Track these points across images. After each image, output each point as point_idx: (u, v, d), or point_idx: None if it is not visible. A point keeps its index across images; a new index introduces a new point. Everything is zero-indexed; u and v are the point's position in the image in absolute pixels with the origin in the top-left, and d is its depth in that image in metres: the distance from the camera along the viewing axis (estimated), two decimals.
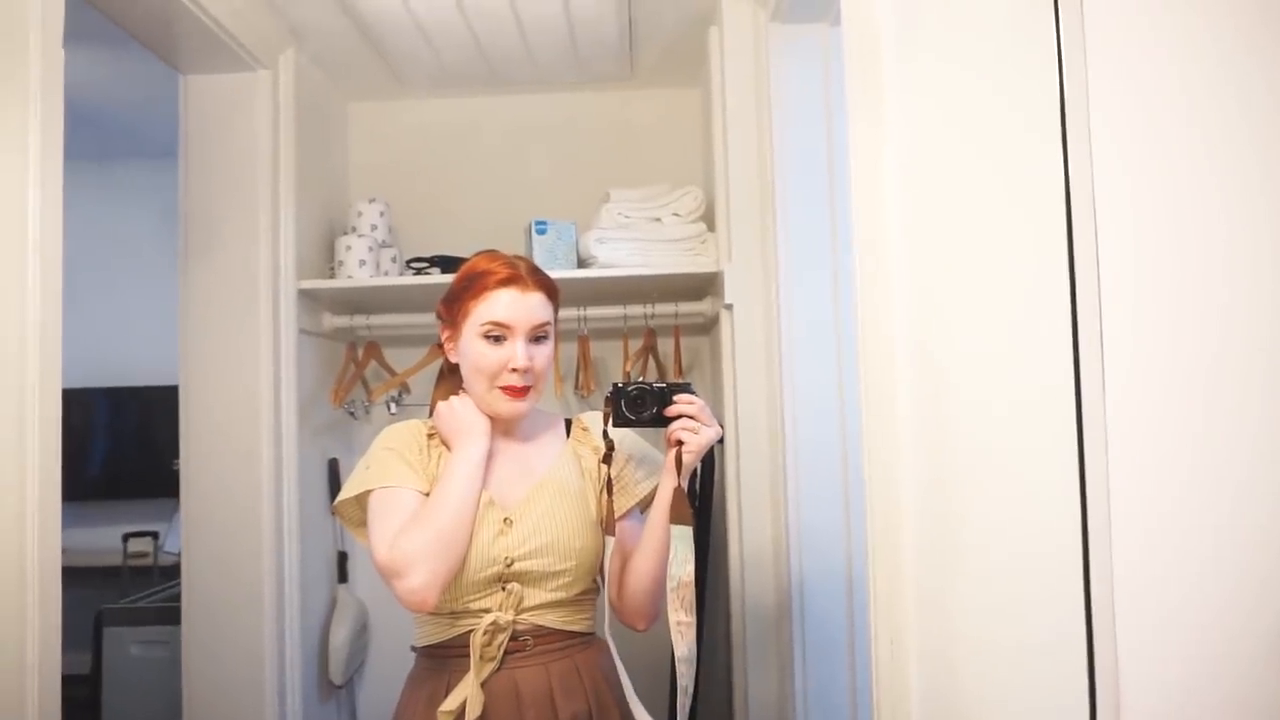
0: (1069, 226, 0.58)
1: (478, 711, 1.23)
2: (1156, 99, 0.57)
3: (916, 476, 1.00)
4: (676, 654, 1.24)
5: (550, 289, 1.37)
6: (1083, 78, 0.58)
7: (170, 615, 2.48)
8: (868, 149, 1.10)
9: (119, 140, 3.72)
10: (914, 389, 1.00)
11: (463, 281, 1.36)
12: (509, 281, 1.32)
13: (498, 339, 1.31)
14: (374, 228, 2.42)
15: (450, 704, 1.24)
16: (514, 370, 1.30)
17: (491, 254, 1.38)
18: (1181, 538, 0.55)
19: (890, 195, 1.06)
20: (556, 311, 1.40)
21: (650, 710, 1.30)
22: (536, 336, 1.33)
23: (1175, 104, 0.56)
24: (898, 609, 1.03)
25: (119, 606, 2.97)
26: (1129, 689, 0.56)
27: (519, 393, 1.31)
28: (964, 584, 0.87)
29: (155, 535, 3.70)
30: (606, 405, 1.32)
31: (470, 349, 1.32)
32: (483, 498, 1.29)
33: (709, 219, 2.27)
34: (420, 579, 1.20)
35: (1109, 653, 0.56)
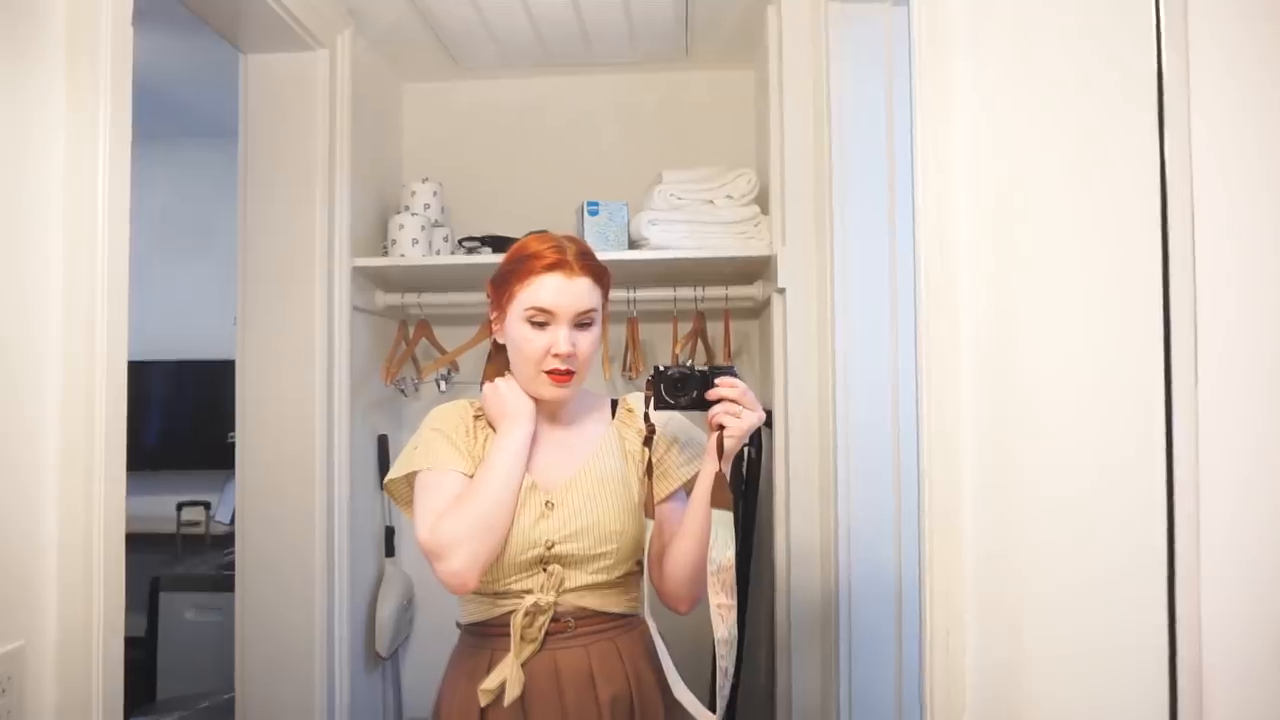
0: (1163, 209, 0.55)
1: (517, 692, 1.24)
2: (1267, 79, 0.54)
3: (978, 463, 0.97)
4: (716, 636, 1.23)
5: (598, 274, 1.35)
6: (1184, 60, 0.55)
7: (223, 582, 2.55)
8: (935, 134, 1.07)
9: (183, 119, 3.79)
10: (978, 374, 0.97)
11: (510, 264, 1.35)
12: (555, 267, 1.30)
13: (541, 324, 1.30)
14: (427, 207, 2.44)
15: (490, 683, 1.26)
16: (556, 356, 1.29)
17: (541, 235, 1.37)
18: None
19: (958, 181, 1.03)
20: (606, 295, 1.38)
21: (690, 692, 1.29)
22: (581, 323, 1.32)
23: None
24: (955, 599, 1.01)
25: (175, 573, 3.06)
26: (1213, 697, 0.53)
27: (562, 377, 1.30)
28: (1028, 577, 0.85)
29: (207, 505, 3.79)
30: (648, 388, 1.31)
31: (515, 333, 1.32)
32: (526, 481, 1.30)
33: (763, 202, 2.24)
34: (460, 562, 1.21)
35: (1193, 656, 0.53)
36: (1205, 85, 0.58)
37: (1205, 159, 0.56)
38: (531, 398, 1.34)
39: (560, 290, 1.29)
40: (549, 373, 1.30)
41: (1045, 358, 0.81)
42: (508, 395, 1.34)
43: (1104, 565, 0.68)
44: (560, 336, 1.29)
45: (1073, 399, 0.75)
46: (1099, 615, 0.69)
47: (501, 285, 1.35)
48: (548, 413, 1.38)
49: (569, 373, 1.31)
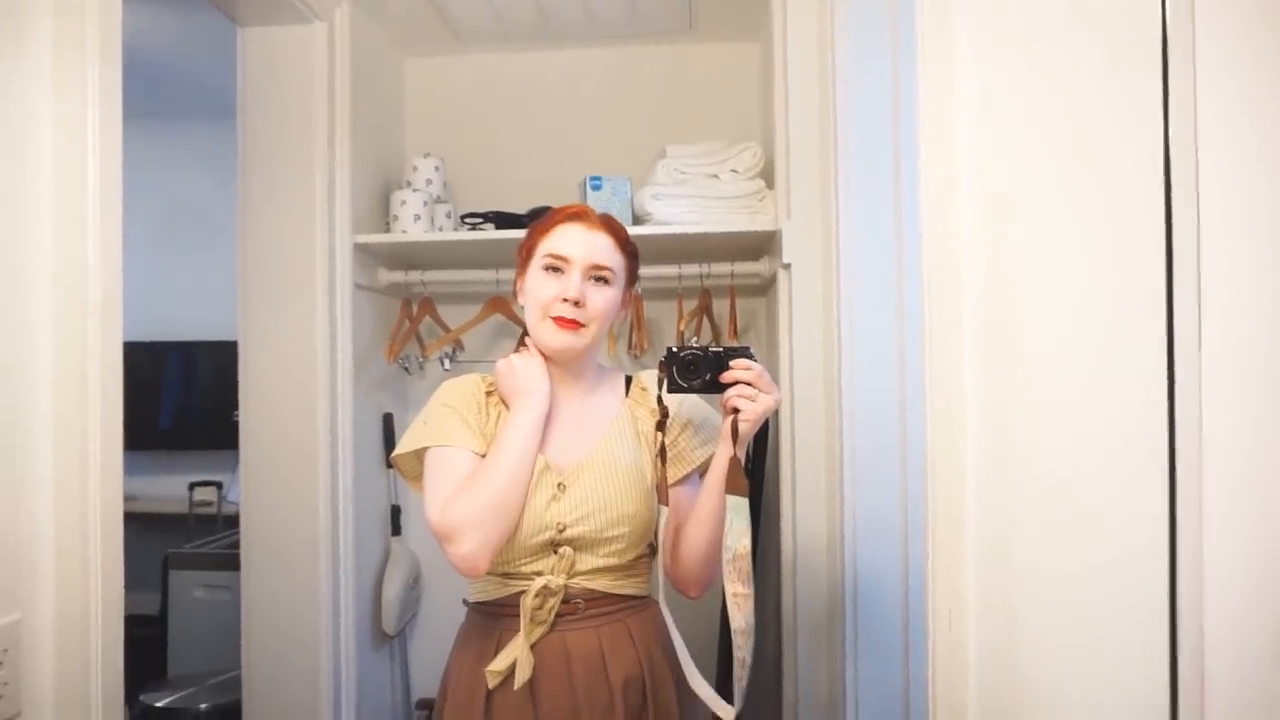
0: (1167, 180, 0.53)
1: (527, 675, 1.23)
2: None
3: (980, 442, 0.95)
4: (734, 626, 1.20)
5: (622, 239, 1.35)
6: (1189, 32, 0.52)
7: (232, 561, 2.56)
8: (939, 104, 1.04)
9: (182, 99, 3.78)
10: (981, 351, 0.94)
11: (535, 223, 1.37)
12: (576, 217, 1.33)
13: (557, 270, 1.30)
14: (429, 182, 2.41)
15: (499, 665, 1.24)
16: (564, 301, 1.27)
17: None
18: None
19: (962, 150, 1.00)
20: (631, 270, 1.38)
21: (708, 685, 1.26)
22: (597, 277, 1.30)
23: None
24: (957, 581, 0.99)
25: (184, 551, 3.08)
26: (1215, 674, 0.51)
27: (567, 324, 1.28)
28: (1028, 556, 0.83)
29: (219, 485, 3.82)
30: (661, 370, 1.28)
31: (530, 282, 1.33)
32: (539, 462, 1.27)
33: (768, 176, 2.20)
34: (471, 545, 1.19)
35: (1194, 632, 0.51)
36: (1211, 68, 0.55)
37: (1210, 139, 0.54)
38: (542, 357, 1.32)
39: (576, 238, 1.30)
40: (555, 318, 1.29)
41: (1048, 335, 0.79)
42: (522, 372, 1.31)
43: (1106, 545, 0.66)
44: (571, 283, 1.28)
45: (1074, 379, 0.73)
46: (1101, 595, 0.67)
47: (525, 243, 1.36)
48: (561, 384, 1.35)
49: (574, 321, 1.28)
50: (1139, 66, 0.60)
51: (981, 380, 0.96)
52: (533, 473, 1.26)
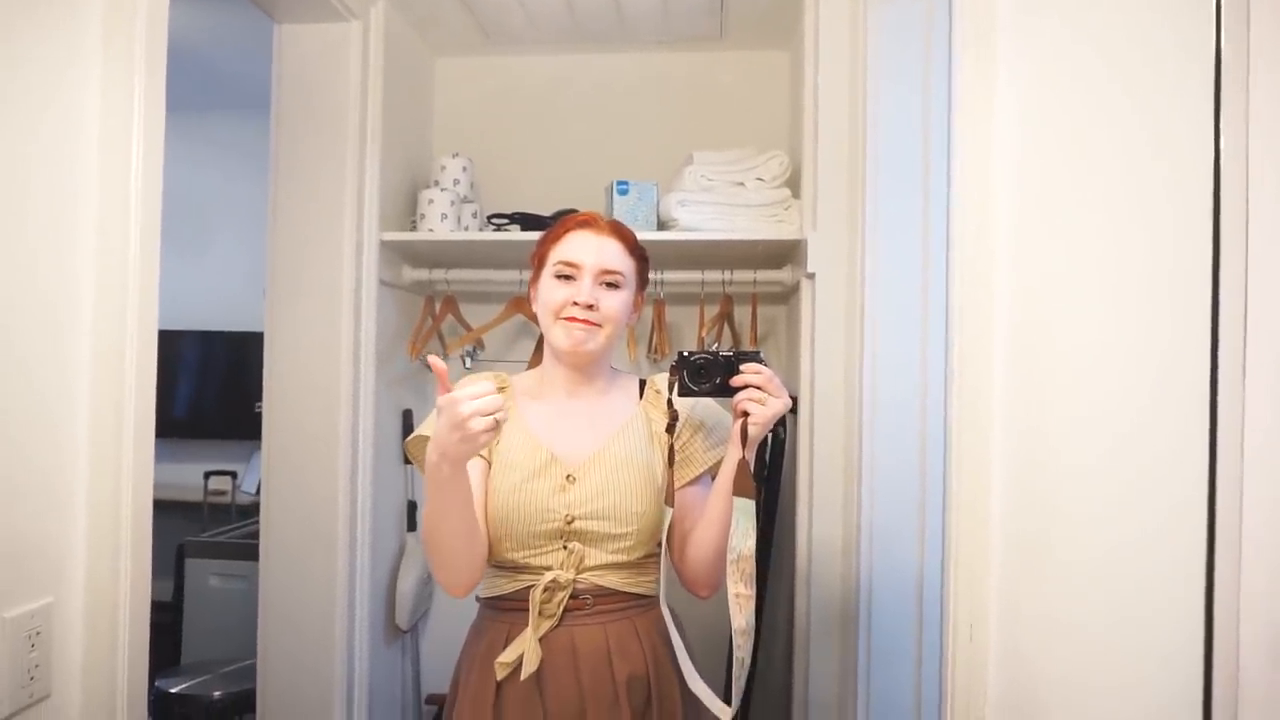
0: (1216, 198, 0.53)
1: (534, 666, 1.25)
2: None
3: (1007, 452, 0.96)
4: (734, 626, 1.22)
5: (630, 242, 1.38)
6: (1244, 47, 0.53)
7: (248, 551, 2.59)
8: (975, 112, 1.05)
9: (215, 92, 3.81)
10: (1012, 360, 0.95)
11: (546, 231, 1.40)
12: (584, 225, 1.36)
13: (569, 277, 1.33)
14: (456, 182, 2.43)
15: (507, 656, 1.27)
16: (576, 304, 1.31)
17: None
18: None
19: (997, 163, 1.01)
20: (642, 274, 1.41)
21: (707, 681, 1.28)
22: (608, 283, 1.33)
23: None
24: (979, 596, 1.00)
25: (201, 540, 3.10)
26: (1250, 707, 0.51)
27: (581, 322, 1.31)
28: (1059, 573, 0.83)
29: (234, 475, 3.84)
30: (672, 374, 1.31)
31: (543, 288, 1.36)
32: (544, 455, 1.31)
33: (794, 185, 2.21)
34: (444, 581, 1.26)
35: (1229, 658, 0.52)
36: (1264, 73, 0.56)
37: (1262, 135, 0.54)
38: (554, 353, 1.35)
39: (586, 244, 1.33)
40: (567, 318, 1.31)
41: (1083, 342, 0.79)
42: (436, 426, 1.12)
43: (1142, 565, 0.66)
44: (583, 287, 1.31)
45: (1110, 386, 0.73)
46: (1133, 617, 0.67)
47: (537, 251, 1.40)
48: (576, 385, 1.39)
49: (588, 321, 1.31)
50: (1187, 73, 0.61)
51: (1010, 398, 0.96)
52: (468, 507, 1.21)
